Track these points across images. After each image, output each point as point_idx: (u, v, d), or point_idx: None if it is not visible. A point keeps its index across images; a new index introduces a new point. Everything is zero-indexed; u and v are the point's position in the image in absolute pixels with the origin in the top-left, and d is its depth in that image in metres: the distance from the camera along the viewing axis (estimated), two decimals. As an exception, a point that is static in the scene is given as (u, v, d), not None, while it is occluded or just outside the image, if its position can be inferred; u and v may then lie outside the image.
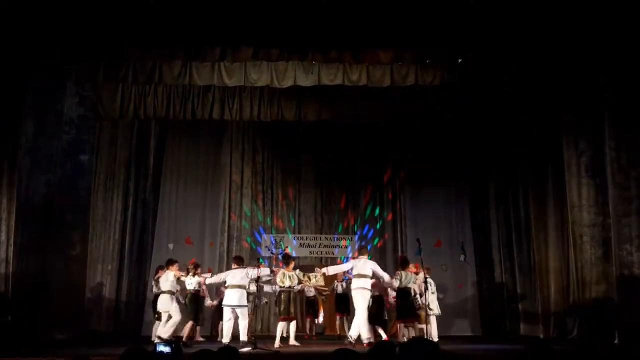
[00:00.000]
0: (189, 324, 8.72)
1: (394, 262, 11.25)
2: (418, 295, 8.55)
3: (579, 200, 9.12)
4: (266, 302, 10.31)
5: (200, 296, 9.12)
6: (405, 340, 7.60)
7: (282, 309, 8.34)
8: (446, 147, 12.11)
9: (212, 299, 9.70)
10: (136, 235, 11.53)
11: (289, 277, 8.31)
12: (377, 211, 12.41)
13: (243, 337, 7.97)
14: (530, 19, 8.25)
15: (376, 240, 12.28)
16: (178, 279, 8.72)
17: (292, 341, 8.44)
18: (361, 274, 8.19)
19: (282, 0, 8.09)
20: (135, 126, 11.66)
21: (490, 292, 11.67)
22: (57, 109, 9.33)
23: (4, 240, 8.13)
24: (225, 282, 8.24)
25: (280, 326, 8.42)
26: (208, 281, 8.60)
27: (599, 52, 8.51)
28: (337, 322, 10.66)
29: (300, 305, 10.69)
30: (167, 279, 8.75)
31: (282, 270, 8.45)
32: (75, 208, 9.63)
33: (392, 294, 8.64)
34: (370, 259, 8.68)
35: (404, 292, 8.28)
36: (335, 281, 10.54)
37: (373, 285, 8.49)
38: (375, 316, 8.48)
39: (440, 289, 9.97)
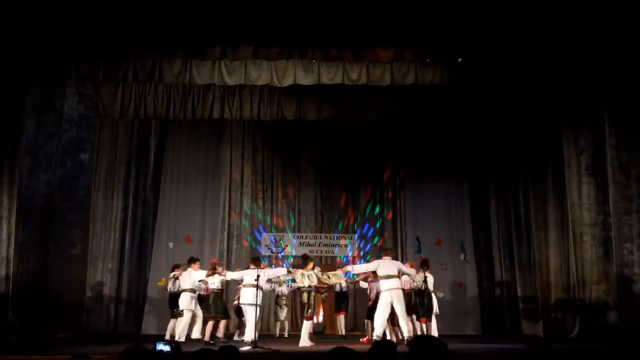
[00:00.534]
0: (210, 323, 8.70)
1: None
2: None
3: (579, 199, 9.11)
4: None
5: (222, 294, 8.88)
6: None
7: (306, 308, 8.36)
8: (446, 146, 12.10)
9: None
10: (136, 233, 11.54)
11: (308, 277, 8.33)
12: (377, 210, 12.42)
13: (249, 336, 7.98)
14: (530, 19, 8.24)
15: (376, 239, 12.28)
16: (207, 276, 8.64)
17: (307, 341, 8.37)
18: (389, 275, 8.18)
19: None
20: (136, 125, 11.66)
21: (491, 291, 11.67)
22: (58, 108, 9.33)
23: (4, 239, 8.15)
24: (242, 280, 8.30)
25: (307, 325, 8.36)
26: (229, 275, 8.57)
27: (599, 51, 8.51)
28: (337, 321, 10.66)
29: (300, 305, 10.69)
30: (190, 277, 8.70)
31: (300, 271, 8.44)
32: (76, 207, 9.63)
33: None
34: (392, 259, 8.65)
35: (424, 292, 8.43)
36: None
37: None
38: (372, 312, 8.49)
39: (440, 288, 10.00)
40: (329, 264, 11.70)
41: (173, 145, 12.27)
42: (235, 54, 8.85)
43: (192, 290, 8.72)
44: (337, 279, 8.54)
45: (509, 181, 11.54)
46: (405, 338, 7.92)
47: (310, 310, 8.28)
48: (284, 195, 12.41)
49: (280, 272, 8.51)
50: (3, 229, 8.16)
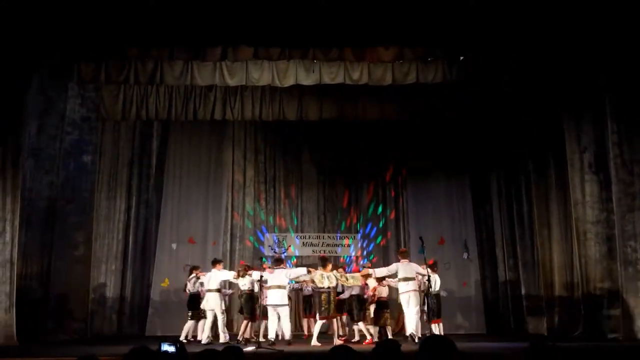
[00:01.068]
0: (244, 323, 8.77)
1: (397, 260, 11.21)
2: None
3: (582, 197, 9.08)
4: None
5: (255, 295, 8.87)
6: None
7: (322, 309, 8.41)
8: (448, 145, 12.08)
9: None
10: (139, 235, 11.55)
11: (327, 278, 8.40)
12: (379, 209, 12.40)
13: (287, 335, 8.27)
14: (530, 19, 8.24)
15: (379, 239, 12.26)
16: (238, 277, 8.69)
17: (314, 342, 8.40)
18: (408, 277, 8.36)
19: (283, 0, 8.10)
20: (138, 126, 11.67)
21: (494, 290, 11.64)
22: (59, 111, 9.37)
23: (8, 241, 8.15)
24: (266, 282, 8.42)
25: (319, 325, 8.48)
26: (255, 275, 8.59)
27: (600, 47, 8.48)
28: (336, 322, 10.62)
29: (302, 305, 10.69)
30: (217, 278, 8.73)
31: (319, 272, 8.50)
32: (79, 209, 9.67)
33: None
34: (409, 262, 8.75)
35: (436, 294, 8.55)
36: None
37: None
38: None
39: (444, 287, 9.91)
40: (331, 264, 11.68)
41: (175, 147, 12.27)
42: (236, 55, 8.86)
43: (218, 290, 8.73)
44: (355, 281, 8.61)
45: (512, 180, 11.50)
46: (409, 335, 8.13)
47: (326, 312, 8.36)
48: (286, 196, 12.40)
49: (301, 272, 8.61)
50: (6, 232, 8.16)
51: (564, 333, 9.43)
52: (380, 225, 12.32)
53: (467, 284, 11.76)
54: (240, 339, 8.60)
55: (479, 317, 11.56)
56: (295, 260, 11.84)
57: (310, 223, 12.34)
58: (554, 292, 10.07)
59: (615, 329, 8.19)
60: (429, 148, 12.06)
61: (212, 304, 8.67)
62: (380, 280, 8.66)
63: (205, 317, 8.83)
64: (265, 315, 8.55)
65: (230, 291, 9.86)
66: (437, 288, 8.84)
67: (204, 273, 9.09)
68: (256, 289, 8.58)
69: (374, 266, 9.84)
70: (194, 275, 9.14)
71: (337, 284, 8.61)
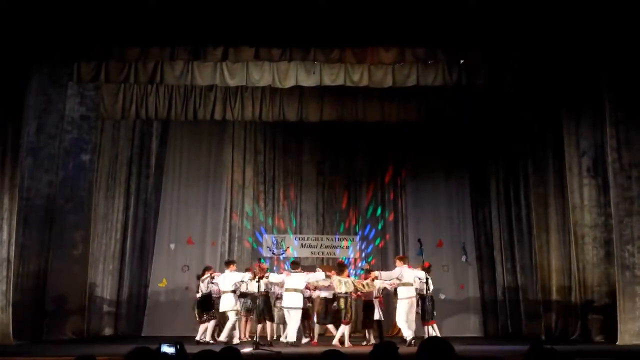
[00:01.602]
0: (268, 324, 8.78)
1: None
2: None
3: (580, 201, 9.10)
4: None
5: (269, 296, 8.90)
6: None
7: (342, 314, 8.48)
8: (447, 147, 12.09)
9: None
10: (137, 234, 11.53)
11: (345, 283, 8.50)
12: (378, 211, 12.40)
13: (291, 337, 8.30)
14: (530, 19, 8.25)
15: (378, 241, 12.26)
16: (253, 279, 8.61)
17: (347, 343, 8.48)
18: (409, 283, 8.43)
19: (284, 1, 8.10)
20: (137, 125, 11.65)
21: (492, 293, 11.64)
22: (59, 109, 9.34)
23: (5, 240, 8.13)
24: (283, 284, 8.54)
25: (342, 329, 8.51)
26: (271, 278, 8.67)
27: (599, 52, 8.52)
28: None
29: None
30: (231, 279, 8.71)
31: (337, 277, 8.60)
32: (77, 208, 9.64)
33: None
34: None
35: (427, 295, 8.58)
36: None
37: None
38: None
39: (442, 290, 9.98)
40: (330, 266, 11.67)
41: (174, 147, 12.26)
42: (237, 55, 8.86)
43: (233, 291, 8.72)
44: (370, 287, 8.73)
45: (511, 182, 11.53)
46: (408, 340, 8.15)
47: (348, 316, 8.45)
48: (285, 197, 12.40)
49: (320, 276, 8.67)
50: (4, 230, 8.14)
51: (561, 336, 9.45)
52: (379, 227, 12.33)
53: (465, 286, 11.77)
54: (257, 341, 8.28)
55: (477, 319, 11.56)
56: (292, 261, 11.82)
57: (309, 224, 12.34)
58: (551, 295, 10.10)
59: (613, 333, 8.20)
60: (429, 150, 12.06)
61: (228, 304, 8.67)
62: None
63: (215, 318, 8.86)
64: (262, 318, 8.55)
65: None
66: (431, 290, 8.86)
67: (218, 273, 9.10)
68: (273, 290, 8.80)
69: (372, 268, 9.86)
70: (207, 275, 9.06)
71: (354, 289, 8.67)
